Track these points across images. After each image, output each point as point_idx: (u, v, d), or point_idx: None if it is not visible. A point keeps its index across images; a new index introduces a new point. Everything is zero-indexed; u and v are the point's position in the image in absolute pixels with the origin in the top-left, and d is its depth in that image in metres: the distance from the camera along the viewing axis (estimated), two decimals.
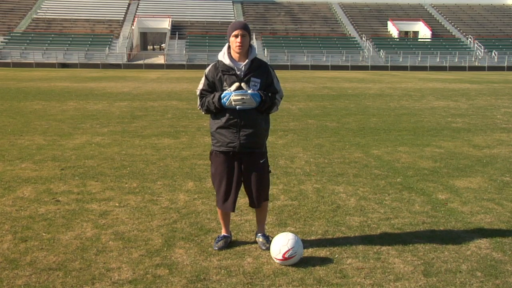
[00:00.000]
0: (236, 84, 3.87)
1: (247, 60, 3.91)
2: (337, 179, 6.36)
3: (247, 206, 4.94)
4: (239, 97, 3.81)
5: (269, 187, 4.22)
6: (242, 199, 4.89)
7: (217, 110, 3.93)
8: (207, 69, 4.02)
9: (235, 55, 3.92)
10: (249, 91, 3.84)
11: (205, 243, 4.21)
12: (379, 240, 4.30)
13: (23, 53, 51.26)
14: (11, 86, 22.55)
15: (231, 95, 3.82)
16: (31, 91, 19.58)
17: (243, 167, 4.04)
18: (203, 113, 4.07)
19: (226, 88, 3.89)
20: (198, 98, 4.04)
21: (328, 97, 18.30)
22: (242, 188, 4.16)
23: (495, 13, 68.97)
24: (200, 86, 4.03)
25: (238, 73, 3.90)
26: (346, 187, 5.99)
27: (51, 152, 7.92)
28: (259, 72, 3.94)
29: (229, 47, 3.95)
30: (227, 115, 3.91)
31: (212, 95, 3.93)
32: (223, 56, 3.94)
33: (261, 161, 4.07)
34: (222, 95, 3.85)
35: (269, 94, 3.96)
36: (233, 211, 4.14)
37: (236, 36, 3.85)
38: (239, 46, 3.85)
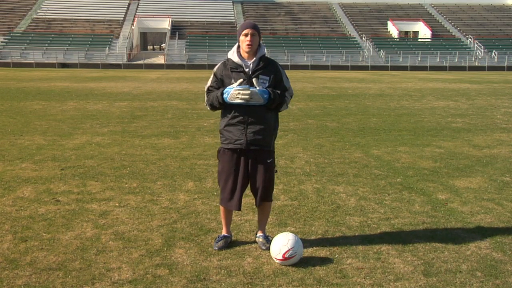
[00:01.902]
0: (240, 80, 3.90)
1: (254, 58, 3.96)
2: (337, 179, 6.36)
3: (247, 206, 4.94)
4: (240, 91, 3.81)
5: (273, 188, 4.21)
6: (244, 199, 4.88)
7: (221, 106, 3.97)
8: (216, 66, 4.09)
9: (244, 54, 3.97)
10: (258, 88, 3.86)
11: (205, 243, 4.21)
12: (379, 240, 4.30)
13: (23, 53, 51.26)
14: (11, 86, 22.55)
15: (232, 89, 3.85)
16: (31, 91, 19.58)
17: (250, 165, 4.05)
18: (209, 109, 4.10)
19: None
20: (206, 95, 4.08)
21: (328, 97, 18.30)
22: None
23: (495, 13, 68.97)
24: (208, 83, 4.08)
25: (247, 70, 3.94)
26: (346, 187, 5.99)
27: (51, 152, 7.92)
28: (268, 70, 3.98)
29: (238, 46, 4.01)
30: (235, 112, 3.94)
31: (217, 91, 3.97)
32: (232, 54, 4.00)
33: (268, 161, 4.07)
34: (224, 90, 3.89)
35: (278, 92, 3.97)
36: (239, 209, 4.14)
37: (246, 35, 3.91)
38: (248, 45, 3.91)
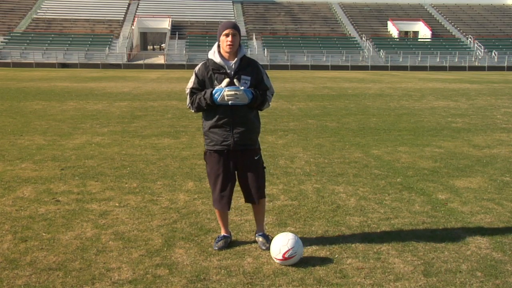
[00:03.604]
0: (227, 80, 3.89)
1: (236, 59, 3.95)
2: (337, 179, 6.36)
3: (247, 206, 4.94)
4: (232, 92, 3.82)
5: (265, 184, 4.23)
6: (242, 199, 4.89)
7: (209, 107, 3.94)
8: (197, 67, 4.06)
9: (225, 54, 3.95)
10: (241, 88, 3.86)
11: (205, 243, 4.21)
12: (379, 240, 4.30)
13: (23, 53, 51.24)
14: (11, 86, 22.54)
15: (224, 90, 3.83)
16: (31, 91, 19.58)
17: (238, 165, 4.06)
18: (193, 111, 4.08)
19: (217, 85, 3.92)
20: (188, 96, 4.06)
21: (328, 97, 18.30)
22: (239, 187, 4.17)
23: (495, 13, 68.95)
24: (190, 84, 4.04)
25: (229, 71, 3.93)
26: (346, 187, 5.99)
27: (51, 152, 7.92)
28: (249, 70, 3.98)
29: (218, 46, 3.98)
30: (220, 113, 3.93)
31: (204, 92, 3.94)
32: (213, 55, 3.97)
33: (256, 158, 4.10)
34: (214, 91, 3.87)
35: (260, 91, 3.98)
36: (228, 210, 4.17)
37: (227, 35, 3.89)
38: (229, 45, 3.89)
